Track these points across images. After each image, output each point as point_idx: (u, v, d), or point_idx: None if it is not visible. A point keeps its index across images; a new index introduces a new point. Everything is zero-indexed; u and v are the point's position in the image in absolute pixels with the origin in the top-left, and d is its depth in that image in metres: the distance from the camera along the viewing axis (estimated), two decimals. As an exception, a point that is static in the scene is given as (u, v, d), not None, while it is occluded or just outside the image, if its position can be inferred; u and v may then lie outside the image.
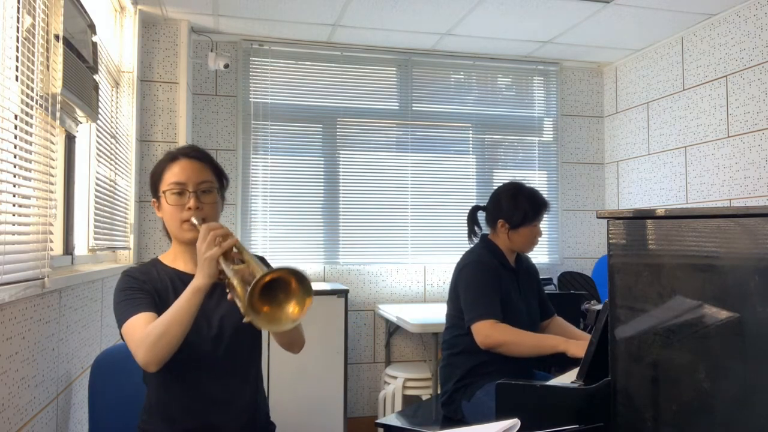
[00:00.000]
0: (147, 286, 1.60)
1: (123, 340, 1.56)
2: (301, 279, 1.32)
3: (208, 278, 1.45)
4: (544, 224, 4.27)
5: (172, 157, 1.66)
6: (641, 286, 1.27)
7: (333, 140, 4.07)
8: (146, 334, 1.45)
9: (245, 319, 1.32)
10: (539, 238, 2.45)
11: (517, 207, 2.39)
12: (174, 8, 3.41)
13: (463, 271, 2.39)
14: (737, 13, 3.35)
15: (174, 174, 1.62)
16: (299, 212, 3.96)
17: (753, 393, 1.09)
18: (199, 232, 1.52)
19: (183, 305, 1.45)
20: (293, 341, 1.68)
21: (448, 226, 4.17)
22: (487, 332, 2.22)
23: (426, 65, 4.21)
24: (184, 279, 1.63)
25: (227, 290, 1.48)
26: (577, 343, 2.11)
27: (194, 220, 1.58)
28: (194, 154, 1.66)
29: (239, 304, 1.40)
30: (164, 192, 1.61)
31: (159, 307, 1.56)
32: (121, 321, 1.54)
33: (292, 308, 1.33)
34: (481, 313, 2.25)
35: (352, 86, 4.10)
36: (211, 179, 1.66)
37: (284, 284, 1.33)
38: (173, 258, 1.69)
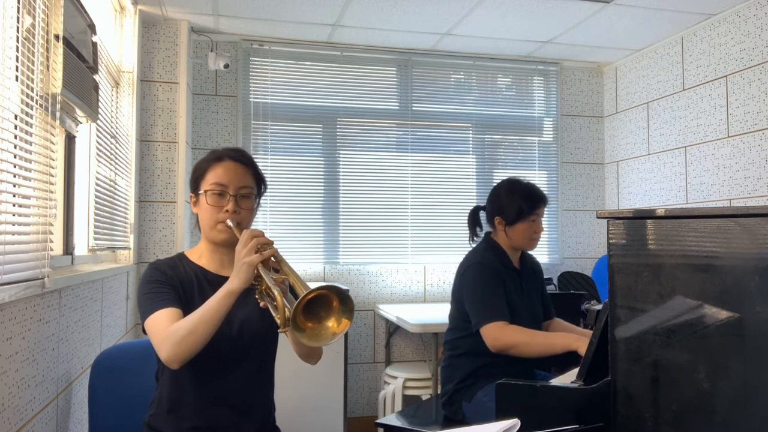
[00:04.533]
0: (174, 281, 1.61)
1: (145, 332, 1.57)
2: (343, 298, 1.35)
3: (244, 283, 1.46)
4: (544, 223, 4.30)
5: (217, 157, 1.68)
6: (641, 286, 1.27)
7: (333, 140, 4.07)
8: (173, 331, 1.46)
9: (281, 330, 1.36)
10: (540, 234, 2.40)
11: (511, 202, 2.36)
12: (174, 8, 3.41)
13: (467, 272, 2.37)
14: (737, 13, 3.35)
15: (217, 175, 1.64)
16: (299, 212, 3.96)
17: (753, 393, 1.09)
18: (240, 235, 1.54)
19: (214, 306, 1.46)
20: (313, 353, 1.69)
21: (448, 226, 4.17)
22: (497, 334, 2.19)
23: (426, 65, 4.22)
24: (209, 277, 1.67)
25: (257, 296, 1.50)
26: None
27: (230, 223, 1.61)
28: (239, 157, 1.68)
29: (275, 313, 1.42)
30: (205, 191, 1.64)
31: (183, 303, 1.58)
32: (145, 314, 1.55)
33: (331, 324, 1.36)
34: (489, 316, 2.22)
35: (352, 86, 4.10)
36: (251, 185, 1.68)
37: (326, 301, 1.35)
38: (199, 255, 1.71)
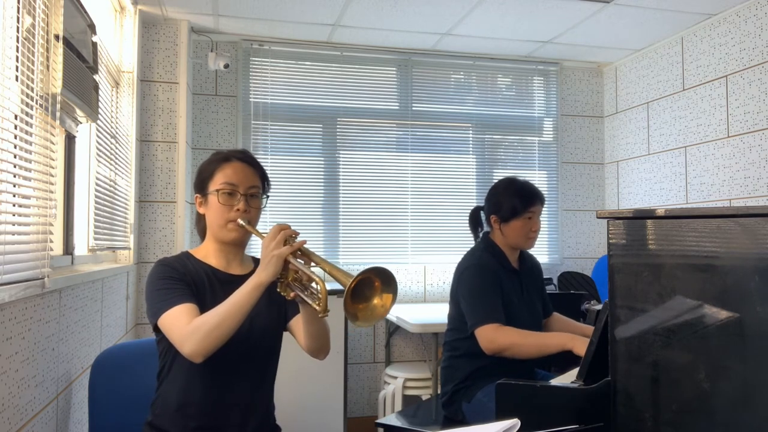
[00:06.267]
0: (186, 278, 1.63)
1: (156, 329, 1.57)
2: (385, 277, 1.39)
3: (272, 275, 1.48)
4: (544, 223, 4.32)
5: (224, 158, 1.70)
6: (641, 286, 1.27)
7: (333, 140, 4.07)
8: (198, 326, 1.47)
9: (321, 315, 1.44)
10: (537, 233, 2.38)
11: (506, 199, 2.36)
12: (174, 8, 3.41)
13: (464, 274, 2.36)
14: (737, 13, 3.35)
15: (227, 175, 1.67)
16: (299, 212, 3.96)
17: (753, 393, 1.09)
18: (253, 231, 1.62)
19: (241, 299, 1.48)
20: (322, 347, 1.70)
21: (448, 226, 4.16)
22: (491, 337, 2.19)
23: (426, 65, 4.21)
24: (218, 275, 1.69)
25: (279, 289, 1.52)
26: (583, 340, 2.04)
27: (241, 222, 1.64)
28: (247, 158, 1.72)
29: (311, 301, 1.47)
30: (217, 191, 1.65)
31: (197, 299, 1.59)
32: (160, 310, 1.55)
33: (377, 301, 1.41)
34: (483, 318, 2.22)
35: (352, 86, 4.10)
36: (258, 185, 1.71)
37: (368, 281, 1.39)
38: (205, 254, 1.72)
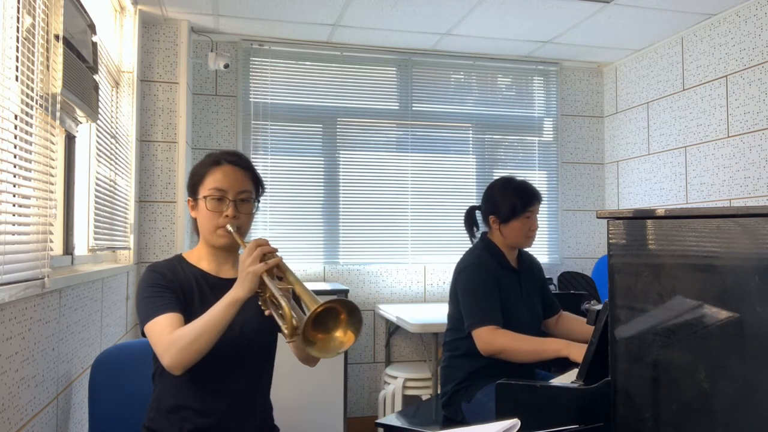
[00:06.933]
0: (174, 285, 1.62)
1: (144, 335, 1.57)
2: (351, 310, 1.37)
3: (248, 292, 1.48)
4: (544, 223, 4.32)
5: (215, 161, 1.67)
6: (641, 286, 1.27)
7: (333, 140, 4.07)
8: (176, 338, 1.47)
9: (288, 341, 1.42)
10: (535, 232, 2.39)
11: (505, 200, 2.36)
12: (174, 8, 3.41)
13: (462, 273, 2.36)
14: (737, 13, 3.35)
15: (216, 180, 1.64)
16: (299, 212, 3.96)
17: (753, 393, 1.09)
18: (239, 240, 1.60)
19: (218, 314, 1.47)
20: (312, 356, 1.69)
21: (448, 226, 4.17)
22: (488, 339, 2.20)
23: (426, 65, 4.22)
24: (209, 279, 1.67)
25: (260, 303, 1.52)
26: (579, 346, 2.06)
27: (230, 228, 1.62)
28: (238, 161, 1.68)
29: (281, 323, 1.44)
30: (205, 197, 1.63)
31: (184, 306, 1.58)
32: (146, 318, 1.55)
33: (339, 334, 1.38)
34: (480, 319, 2.22)
35: (352, 86, 4.11)
36: (250, 189, 1.68)
37: (334, 312, 1.37)
38: (198, 257, 1.71)
